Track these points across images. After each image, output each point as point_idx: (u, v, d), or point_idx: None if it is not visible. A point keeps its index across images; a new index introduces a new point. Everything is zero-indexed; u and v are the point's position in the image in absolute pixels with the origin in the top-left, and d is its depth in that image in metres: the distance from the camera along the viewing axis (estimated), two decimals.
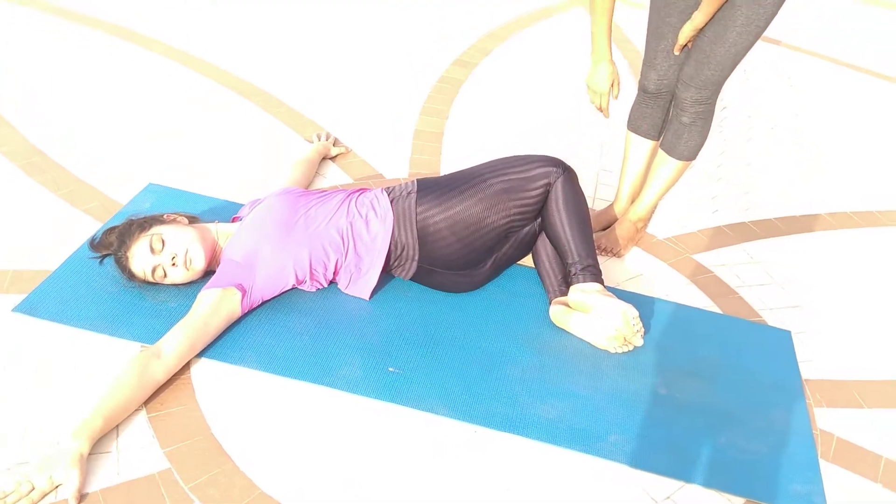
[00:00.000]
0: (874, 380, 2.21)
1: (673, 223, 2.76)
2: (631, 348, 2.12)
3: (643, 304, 2.31)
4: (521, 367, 2.04)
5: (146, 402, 1.79)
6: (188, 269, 2.00)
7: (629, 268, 2.51)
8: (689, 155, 2.44)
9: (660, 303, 2.35)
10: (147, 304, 2.03)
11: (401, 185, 2.19)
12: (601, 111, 2.41)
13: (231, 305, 1.93)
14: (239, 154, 2.76)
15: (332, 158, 2.80)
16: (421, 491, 1.70)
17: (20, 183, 2.44)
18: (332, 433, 1.80)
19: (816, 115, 3.71)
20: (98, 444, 1.68)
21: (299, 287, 2.11)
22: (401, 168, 2.82)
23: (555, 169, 2.12)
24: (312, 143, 2.81)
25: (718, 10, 2.13)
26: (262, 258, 2.00)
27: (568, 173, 2.13)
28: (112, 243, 2.02)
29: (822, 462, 1.92)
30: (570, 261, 2.13)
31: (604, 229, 2.66)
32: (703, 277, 2.52)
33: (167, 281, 2.02)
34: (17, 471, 1.58)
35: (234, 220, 2.20)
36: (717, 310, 2.38)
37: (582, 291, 2.12)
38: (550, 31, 4.19)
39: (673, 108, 2.43)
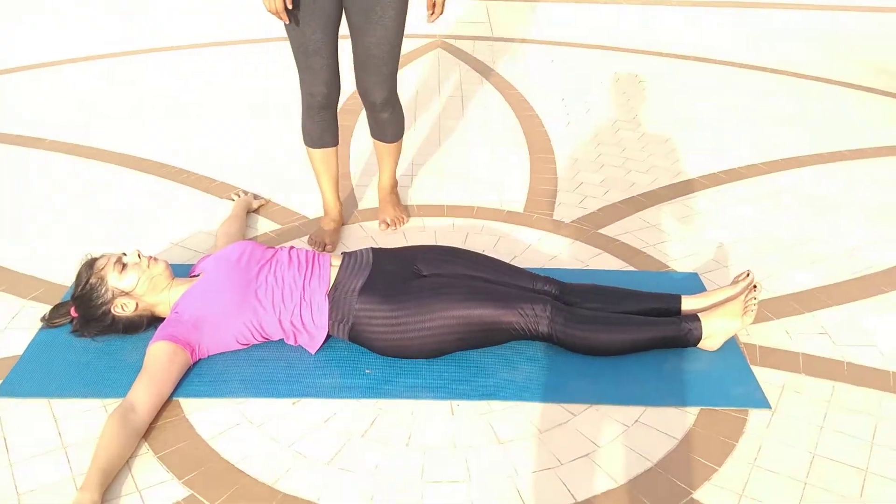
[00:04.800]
0: (777, 296, 2.55)
1: (574, 209, 3.06)
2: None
3: (568, 276, 2.57)
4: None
5: (152, 445, 1.88)
6: (149, 268, 2.15)
7: (548, 251, 2.78)
8: (400, 135, 2.79)
9: (581, 272, 2.63)
10: (114, 363, 2.13)
11: (357, 255, 2.26)
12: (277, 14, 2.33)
13: (181, 359, 2.05)
14: (165, 223, 2.87)
15: (256, 210, 2.95)
16: (422, 465, 1.87)
17: None
18: (330, 432, 1.94)
19: (661, 103, 4.18)
20: (118, 489, 1.76)
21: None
22: (319, 208, 3.00)
23: (541, 316, 2.13)
24: (232, 200, 2.95)
25: None
26: (208, 325, 2.12)
27: (557, 318, 2.14)
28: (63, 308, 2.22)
29: (753, 367, 2.22)
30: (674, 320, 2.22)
31: (336, 228, 2.82)
32: (612, 245, 2.82)
33: (123, 278, 2.12)
34: None
35: (191, 276, 2.31)
36: (631, 268, 2.68)
37: (710, 319, 2.22)
38: (417, 73, 4.51)
39: (367, 111, 2.70)
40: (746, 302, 2.23)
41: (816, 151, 3.61)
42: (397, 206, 2.92)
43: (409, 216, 2.89)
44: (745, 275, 2.32)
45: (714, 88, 4.38)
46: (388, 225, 2.84)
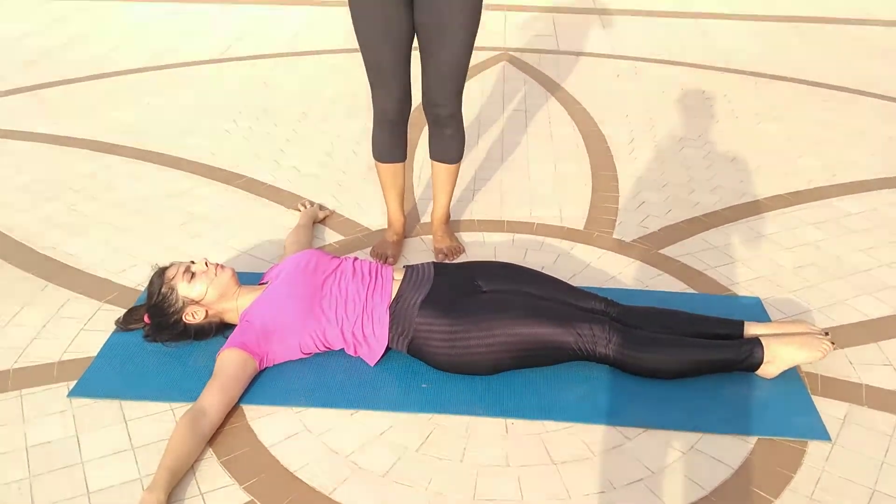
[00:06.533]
0: (843, 324, 2.50)
1: (635, 227, 3.06)
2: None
3: (627, 296, 2.57)
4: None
5: (216, 450, 1.95)
6: (216, 276, 2.23)
7: (607, 270, 2.78)
8: (461, 155, 2.79)
9: (640, 293, 2.62)
10: (183, 368, 2.22)
11: (418, 270, 2.32)
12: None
13: (251, 367, 2.12)
14: (236, 231, 2.97)
15: (322, 221, 3.03)
16: (475, 483, 1.90)
17: (39, 286, 2.59)
18: (386, 445, 1.99)
19: (727, 121, 4.12)
20: (182, 492, 1.83)
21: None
22: (382, 220, 3.06)
23: (599, 337, 2.14)
24: (300, 210, 3.04)
25: None
26: (276, 334, 2.18)
27: (616, 339, 2.15)
28: (138, 313, 2.31)
29: (813, 397, 2.18)
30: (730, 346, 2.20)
31: (398, 241, 2.88)
32: (673, 267, 2.80)
33: (192, 287, 2.21)
34: None
35: (261, 284, 2.38)
36: (692, 291, 2.66)
37: (775, 345, 2.19)
38: (483, 85, 4.54)
39: (431, 126, 2.72)
40: (820, 340, 2.20)
41: (889, 175, 3.52)
42: (452, 237, 2.91)
43: (464, 249, 2.90)
44: (824, 332, 2.28)
45: (783, 106, 4.31)
46: (446, 256, 2.83)
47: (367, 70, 2.56)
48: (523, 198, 3.30)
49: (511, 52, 5.11)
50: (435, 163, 2.82)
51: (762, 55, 5.15)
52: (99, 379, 2.18)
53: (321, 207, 3.10)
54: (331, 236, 2.97)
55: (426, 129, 2.79)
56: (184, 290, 2.20)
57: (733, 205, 3.24)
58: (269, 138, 3.80)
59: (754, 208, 3.21)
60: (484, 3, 2.50)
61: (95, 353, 2.28)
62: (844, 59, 5.11)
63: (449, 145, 2.75)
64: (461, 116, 2.71)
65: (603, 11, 6.15)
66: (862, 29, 5.81)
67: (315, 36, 5.44)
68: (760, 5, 6.40)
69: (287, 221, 3.04)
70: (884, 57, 5.16)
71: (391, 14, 2.41)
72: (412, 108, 2.72)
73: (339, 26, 5.62)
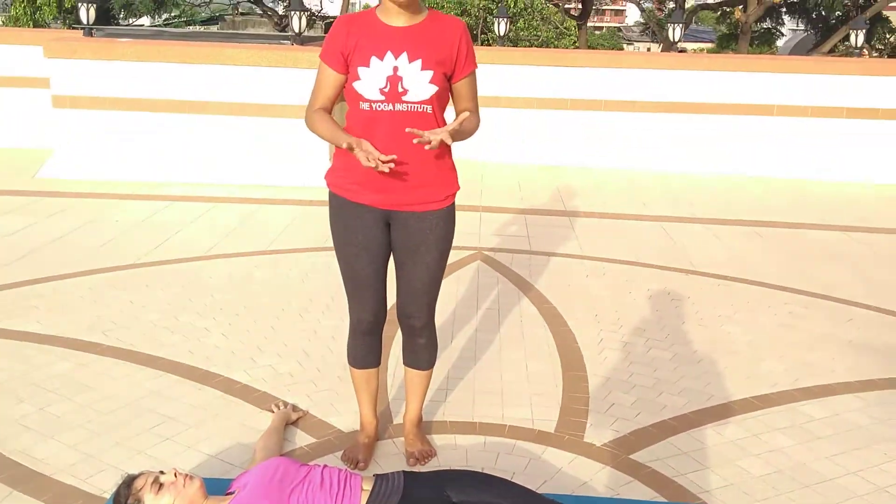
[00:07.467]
0: None
1: (605, 430, 3.10)
2: None
3: None
4: None
5: None
6: (184, 487, 2.20)
7: (578, 476, 2.78)
8: (433, 363, 2.88)
9: (611, 502, 2.62)
10: None
11: (388, 480, 2.32)
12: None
13: None
14: (208, 434, 2.97)
15: (294, 423, 3.05)
16: None
17: (3, 494, 2.55)
18: None
19: (692, 323, 4.28)
20: None
21: None
22: (354, 422, 3.08)
23: None
24: (273, 412, 3.06)
25: None
26: None
27: None
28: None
29: None
30: None
31: (370, 443, 2.88)
32: (643, 473, 2.82)
33: (159, 499, 2.17)
34: None
35: (227, 493, 2.37)
36: (662, 499, 2.67)
37: None
38: (457, 285, 4.72)
39: (405, 335, 2.83)
40: None
41: (851, 379, 3.62)
42: (424, 440, 2.94)
43: (435, 453, 2.91)
44: None
45: (746, 309, 4.48)
46: (417, 460, 2.84)
47: (344, 282, 2.69)
48: (495, 398, 3.34)
49: (485, 252, 5.33)
50: (408, 368, 2.89)
51: (724, 258, 5.41)
52: None
53: (294, 408, 3.13)
54: (302, 439, 2.97)
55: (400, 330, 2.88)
56: (150, 501, 2.19)
57: (700, 408, 3.30)
58: (247, 336, 3.87)
59: (721, 412, 3.28)
60: (457, 205, 2.69)
61: None
62: (803, 263, 5.37)
63: (421, 354, 2.84)
64: (434, 326, 2.82)
65: (573, 214, 6.49)
66: (819, 233, 6.15)
67: (296, 234, 5.67)
68: (721, 210, 6.79)
69: (260, 423, 3.05)
70: (840, 262, 5.43)
71: (370, 234, 2.58)
72: (387, 315, 2.83)
73: (319, 225, 5.85)
